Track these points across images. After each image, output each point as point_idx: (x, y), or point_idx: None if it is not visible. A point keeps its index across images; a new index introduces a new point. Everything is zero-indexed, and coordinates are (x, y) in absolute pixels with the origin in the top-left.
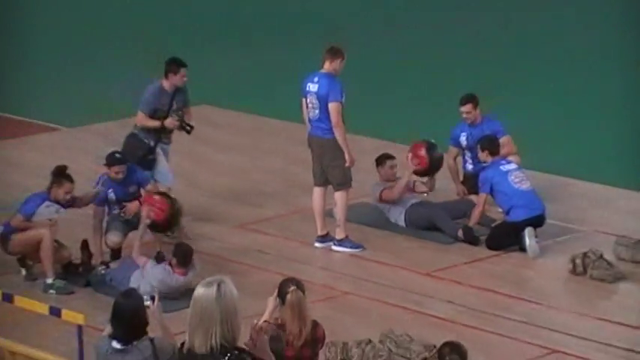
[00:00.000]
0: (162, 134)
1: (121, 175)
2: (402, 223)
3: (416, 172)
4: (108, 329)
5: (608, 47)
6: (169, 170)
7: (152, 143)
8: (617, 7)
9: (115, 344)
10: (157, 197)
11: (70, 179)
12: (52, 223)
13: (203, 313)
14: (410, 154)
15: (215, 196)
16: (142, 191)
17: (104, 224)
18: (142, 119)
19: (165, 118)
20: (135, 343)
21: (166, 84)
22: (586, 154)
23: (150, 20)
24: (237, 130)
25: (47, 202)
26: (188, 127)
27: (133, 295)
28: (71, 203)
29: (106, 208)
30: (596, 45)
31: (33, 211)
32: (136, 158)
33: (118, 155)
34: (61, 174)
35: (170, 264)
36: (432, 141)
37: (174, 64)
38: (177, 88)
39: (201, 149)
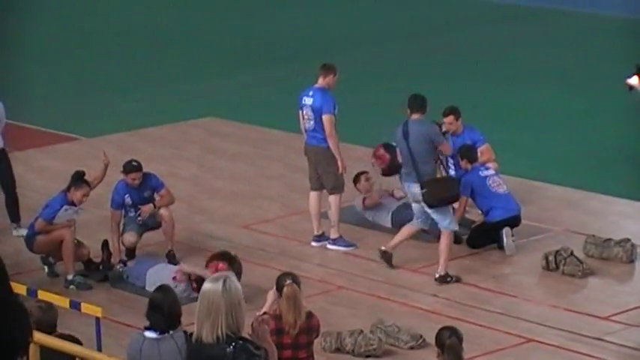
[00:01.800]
0: None
1: (137, 182)
2: (388, 224)
3: (384, 173)
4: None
5: (574, 69)
6: None
7: None
8: (583, 30)
9: (150, 334)
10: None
11: (87, 183)
12: (71, 224)
13: (210, 306)
14: (373, 159)
15: (222, 199)
16: (157, 195)
17: (121, 226)
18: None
19: None
20: (171, 332)
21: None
22: (556, 160)
23: (164, 40)
24: (241, 140)
25: (65, 206)
26: None
27: (167, 288)
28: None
29: (123, 211)
30: (565, 67)
31: (53, 215)
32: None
33: (134, 163)
34: (80, 178)
35: (191, 282)
36: (388, 142)
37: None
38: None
39: (210, 157)
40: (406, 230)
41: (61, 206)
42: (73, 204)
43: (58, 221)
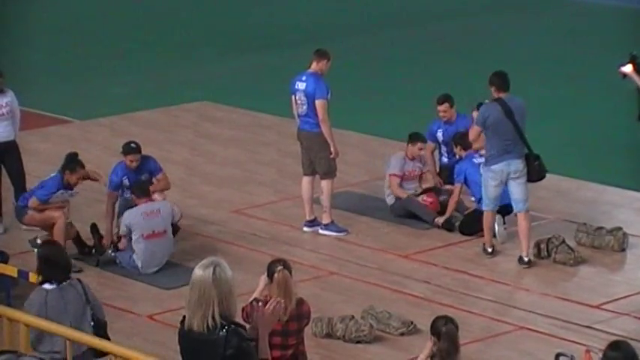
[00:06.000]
0: None
1: (134, 164)
2: (389, 202)
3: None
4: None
5: (567, 57)
6: None
7: None
8: (576, 17)
9: (49, 286)
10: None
11: (82, 166)
12: (64, 205)
13: (201, 296)
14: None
15: (214, 184)
16: (154, 179)
17: (117, 208)
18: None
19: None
20: (67, 282)
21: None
22: (548, 149)
23: (157, 24)
24: (234, 125)
25: (62, 190)
26: None
27: (55, 243)
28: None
29: (120, 191)
30: (558, 55)
31: (48, 197)
32: None
33: (133, 145)
34: (73, 160)
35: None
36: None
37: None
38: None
39: (202, 141)
40: (488, 222)
41: (57, 189)
42: (68, 186)
43: (53, 201)
